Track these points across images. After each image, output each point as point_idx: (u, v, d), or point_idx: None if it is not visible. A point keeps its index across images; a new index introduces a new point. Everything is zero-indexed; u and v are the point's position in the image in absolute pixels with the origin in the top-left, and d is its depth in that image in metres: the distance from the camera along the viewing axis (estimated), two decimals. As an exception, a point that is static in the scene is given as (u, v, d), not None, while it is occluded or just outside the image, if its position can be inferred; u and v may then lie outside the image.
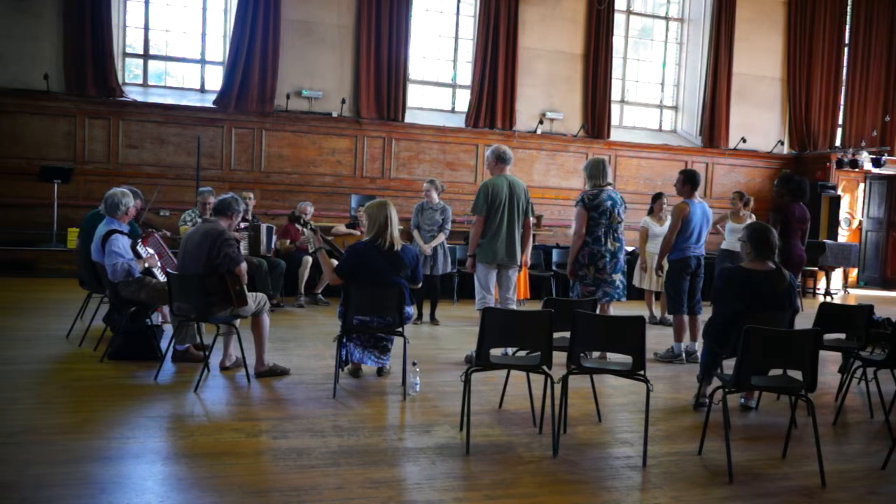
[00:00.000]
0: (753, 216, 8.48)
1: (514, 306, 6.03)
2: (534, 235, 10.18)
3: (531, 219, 6.11)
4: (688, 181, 6.30)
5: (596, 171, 5.94)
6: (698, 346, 6.17)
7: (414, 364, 4.99)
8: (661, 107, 14.33)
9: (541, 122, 12.63)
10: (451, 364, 5.88)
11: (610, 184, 5.97)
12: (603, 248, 5.82)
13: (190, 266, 5.03)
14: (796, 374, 3.96)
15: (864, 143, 13.81)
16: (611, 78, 13.08)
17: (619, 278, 5.92)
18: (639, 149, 13.33)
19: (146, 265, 5.54)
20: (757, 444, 4.23)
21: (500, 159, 5.99)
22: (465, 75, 12.72)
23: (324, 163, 11.63)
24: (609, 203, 5.85)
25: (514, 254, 5.91)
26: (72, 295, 7.25)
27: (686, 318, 6.31)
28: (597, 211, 5.83)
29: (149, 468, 3.44)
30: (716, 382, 4.26)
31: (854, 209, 13.98)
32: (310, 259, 8.68)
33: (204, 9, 11.67)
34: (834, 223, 13.21)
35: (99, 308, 6.36)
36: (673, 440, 4.21)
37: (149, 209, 8.63)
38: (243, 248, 7.93)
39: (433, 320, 7.88)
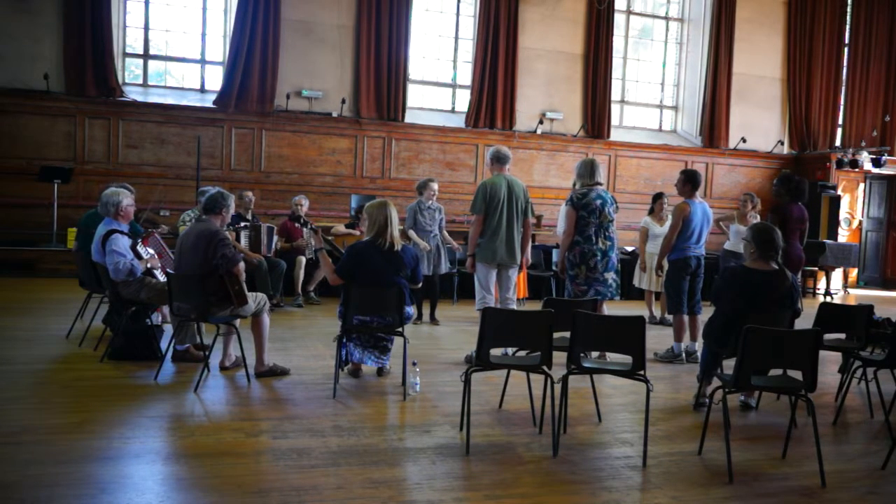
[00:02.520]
0: (758, 217, 8.47)
1: (514, 306, 6.04)
2: (533, 235, 10.20)
3: (531, 219, 6.10)
4: (688, 181, 6.30)
5: (585, 171, 5.95)
6: (698, 346, 6.17)
7: (414, 364, 4.99)
8: (661, 107, 14.33)
9: (541, 122, 12.63)
10: (451, 364, 5.87)
11: (600, 183, 5.97)
12: (594, 247, 5.83)
13: (186, 267, 5.03)
14: (796, 374, 3.96)
15: (864, 143, 13.80)
16: (611, 78, 13.07)
17: (611, 277, 5.92)
18: (639, 149, 13.33)
19: (148, 265, 5.54)
20: (757, 444, 4.23)
21: (496, 159, 6.03)
22: (465, 75, 12.72)
23: (324, 163, 11.63)
24: (599, 202, 5.85)
25: (513, 253, 5.91)
26: (72, 295, 7.25)
27: (686, 318, 6.31)
28: (586, 210, 5.83)
29: (149, 468, 3.44)
30: (716, 382, 4.26)
31: (854, 209, 13.98)
32: (304, 259, 8.67)
33: (204, 9, 11.66)
34: (834, 223, 13.20)
35: (99, 308, 6.36)
36: (673, 440, 4.21)
37: (150, 210, 8.62)
38: (244, 247, 7.92)
39: (433, 320, 7.88)
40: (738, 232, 8.20)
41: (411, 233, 7.67)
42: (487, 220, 5.86)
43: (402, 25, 11.77)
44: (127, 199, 5.68)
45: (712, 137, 13.63)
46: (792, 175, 6.60)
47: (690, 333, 6.37)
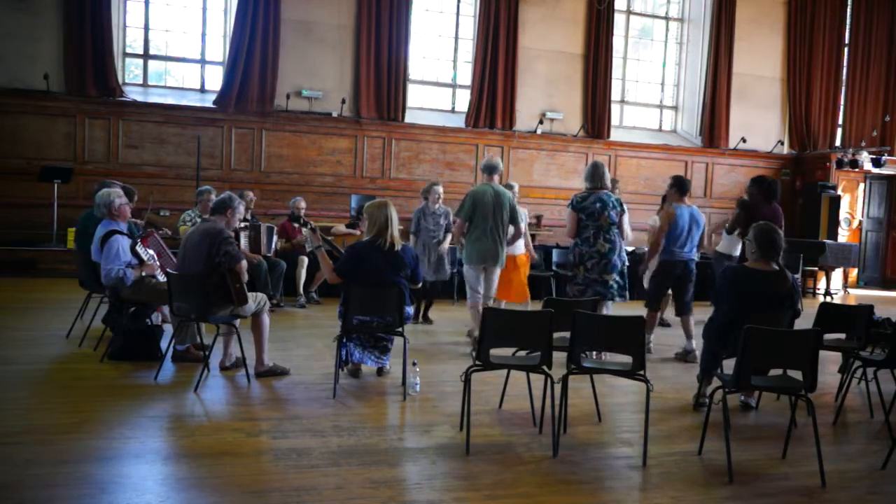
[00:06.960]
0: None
1: (491, 303, 6.42)
2: (533, 236, 10.20)
3: (521, 226, 6.52)
4: (674, 186, 6.50)
5: (590, 174, 6.10)
6: (696, 344, 6.25)
7: (414, 364, 4.99)
8: (661, 107, 14.32)
9: (541, 122, 12.62)
10: (451, 364, 5.87)
11: (604, 187, 6.05)
12: (591, 249, 5.96)
13: (190, 266, 5.03)
14: (796, 374, 3.96)
15: (864, 143, 13.80)
16: (611, 78, 13.06)
17: (612, 279, 5.98)
18: (639, 149, 13.32)
19: (143, 273, 5.50)
20: (757, 444, 4.24)
21: (485, 170, 6.47)
22: (465, 75, 12.71)
23: (324, 163, 11.63)
24: (598, 206, 5.94)
25: (497, 256, 6.25)
26: (72, 295, 7.24)
27: (658, 316, 6.70)
28: (584, 213, 5.99)
29: (149, 468, 3.44)
30: (716, 382, 4.26)
31: (854, 209, 13.97)
32: (306, 259, 8.65)
33: (204, 9, 11.66)
34: (834, 223, 13.20)
35: (99, 308, 6.36)
36: (673, 440, 4.21)
37: (150, 211, 8.61)
38: (244, 247, 7.90)
39: (426, 319, 7.74)
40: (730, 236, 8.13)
41: (413, 238, 7.61)
42: (474, 225, 6.21)
43: (402, 25, 11.76)
44: (119, 198, 5.66)
45: (712, 137, 13.62)
46: (765, 177, 6.93)
47: (685, 332, 6.50)
